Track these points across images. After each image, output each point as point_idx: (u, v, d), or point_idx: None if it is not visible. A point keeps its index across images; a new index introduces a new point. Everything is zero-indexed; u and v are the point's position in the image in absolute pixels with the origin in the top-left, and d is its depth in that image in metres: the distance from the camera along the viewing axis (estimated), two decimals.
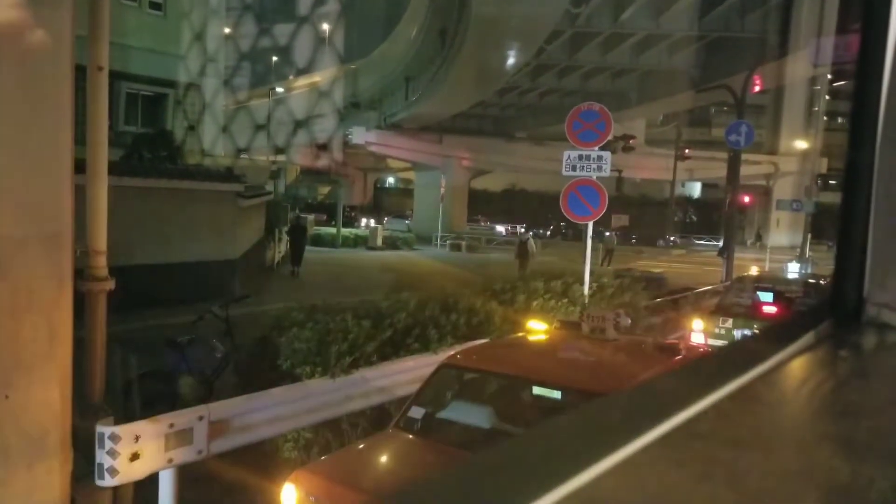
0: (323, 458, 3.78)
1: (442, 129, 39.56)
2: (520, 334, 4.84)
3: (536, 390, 3.61)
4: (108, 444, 3.21)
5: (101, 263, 3.56)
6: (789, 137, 38.70)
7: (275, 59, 38.18)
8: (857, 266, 0.83)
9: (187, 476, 3.68)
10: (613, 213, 25.94)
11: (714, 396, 0.56)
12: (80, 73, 3.16)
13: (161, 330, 6.38)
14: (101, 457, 3.22)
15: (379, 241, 26.70)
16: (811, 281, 9.98)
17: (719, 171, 29.25)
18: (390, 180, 58.39)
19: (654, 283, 11.95)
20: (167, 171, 11.43)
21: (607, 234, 24.64)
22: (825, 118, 34.94)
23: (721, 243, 19.32)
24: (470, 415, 3.60)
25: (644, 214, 38.08)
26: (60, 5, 2.95)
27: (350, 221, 32.71)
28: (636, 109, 36.52)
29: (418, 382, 4.02)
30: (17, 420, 2.96)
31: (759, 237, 23.58)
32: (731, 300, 8.91)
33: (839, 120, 35.56)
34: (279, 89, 35.76)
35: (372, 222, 32.78)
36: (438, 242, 30.87)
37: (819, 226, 25.86)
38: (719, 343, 7.56)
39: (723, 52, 27.29)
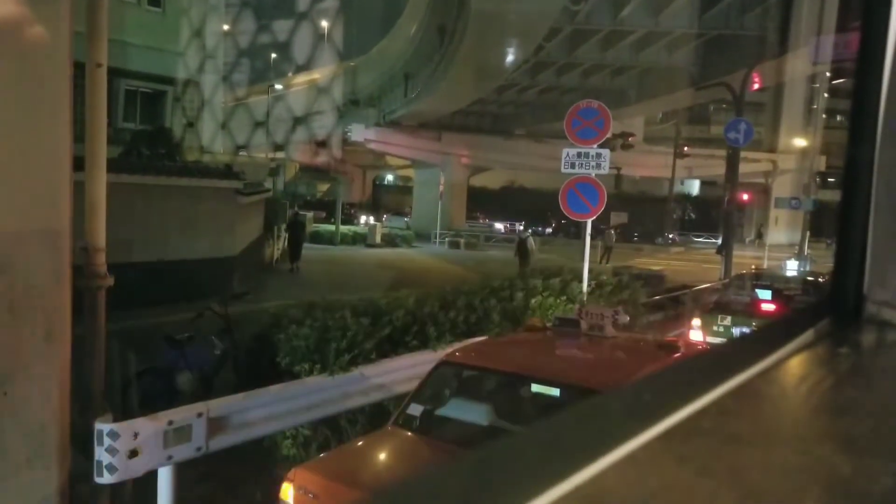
0: (322, 455, 3.79)
1: (441, 126, 39.52)
2: (518, 332, 4.85)
3: (535, 388, 3.62)
4: (107, 441, 3.22)
5: (99, 260, 3.55)
6: (788, 135, 38.70)
7: (274, 55, 38.09)
8: (857, 263, 0.83)
9: (186, 473, 3.68)
10: (612, 210, 26.00)
11: (715, 393, 0.56)
12: (79, 69, 3.16)
13: (160, 327, 6.38)
14: (100, 454, 3.23)
15: (378, 239, 26.69)
16: (809, 279, 10.01)
17: (718, 169, 29.28)
18: (389, 177, 58.34)
19: (652, 281, 11.98)
20: (166, 168, 11.42)
21: (608, 231, 24.69)
22: (824, 116, 34.94)
23: (720, 241, 19.33)
24: (468, 412, 3.61)
25: (643, 212, 38.14)
26: (58, 2, 2.94)
27: (349, 219, 32.67)
28: (635, 107, 36.50)
29: (417, 380, 4.03)
30: (16, 417, 2.96)
31: (760, 235, 23.61)
32: (729, 297, 8.93)
33: (838, 118, 35.57)
34: (278, 86, 35.68)
35: (371, 220, 32.75)
36: (437, 240, 30.87)
37: (818, 223, 25.89)
38: (718, 340, 7.58)
39: (722, 50, 27.27)
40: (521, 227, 29.95)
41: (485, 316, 5.87)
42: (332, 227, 26.74)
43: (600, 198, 7.56)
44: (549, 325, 4.59)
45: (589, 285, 7.87)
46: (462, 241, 30.08)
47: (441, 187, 34.08)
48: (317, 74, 36.96)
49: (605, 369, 3.91)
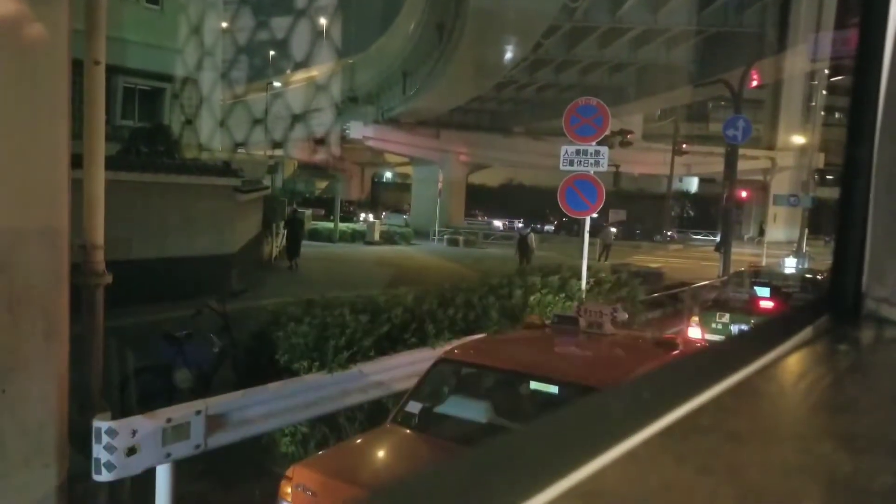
0: (320, 452, 3.79)
1: (439, 123, 39.46)
2: (517, 329, 4.85)
3: (534, 385, 3.62)
4: (105, 439, 3.21)
5: (98, 258, 3.55)
6: (787, 132, 38.73)
7: (272, 53, 38.01)
8: (856, 261, 0.83)
9: (184, 471, 3.68)
10: (610, 208, 26.03)
11: (714, 390, 0.56)
12: (77, 67, 3.15)
13: (158, 324, 6.37)
14: (98, 451, 3.22)
15: (376, 236, 26.67)
16: (808, 276, 10.02)
17: (717, 166, 29.25)
18: (388, 175, 58.28)
19: (651, 278, 11.99)
20: (164, 165, 11.40)
21: (607, 228, 24.73)
22: (823, 113, 34.96)
23: (718, 238, 19.36)
24: (467, 409, 3.61)
25: (641, 209, 38.18)
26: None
27: (348, 216, 32.65)
28: (634, 104, 36.47)
29: (415, 377, 4.03)
30: (14, 414, 2.95)
31: (762, 232, 23.68)
32: (727, 295, 8.94)
33: (836, 115, 35.57)
34: (276, 84, 35.60)
35: (370, 217, 32.72)
36: (436, 237, 30.86)
37: (816, 221, 25.91)
38: (716, 337, 7.59)
39: (721, 47, 27.25)
40: (522, 225, 29.98)
41: (483, 313, 5.87)
42: (331, 225, 26.72)
43: (599, 195, 7.56)
44: (547, 322, 4.59)
45: (588, 283, 7.88)
46: (461, 238, 30.09)
47: (440, 185, 34.05)
48: (315, 72, 36.90)
49: (604, 367, 3.91)
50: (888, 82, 0.84)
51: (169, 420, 3.42)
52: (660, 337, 4.73)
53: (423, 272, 16.42)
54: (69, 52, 3.02)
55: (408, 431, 3.55)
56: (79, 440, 3.28)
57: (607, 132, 8.13)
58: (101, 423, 3.24)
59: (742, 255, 20.47)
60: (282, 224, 18.74)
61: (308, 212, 27.34)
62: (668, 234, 38.49)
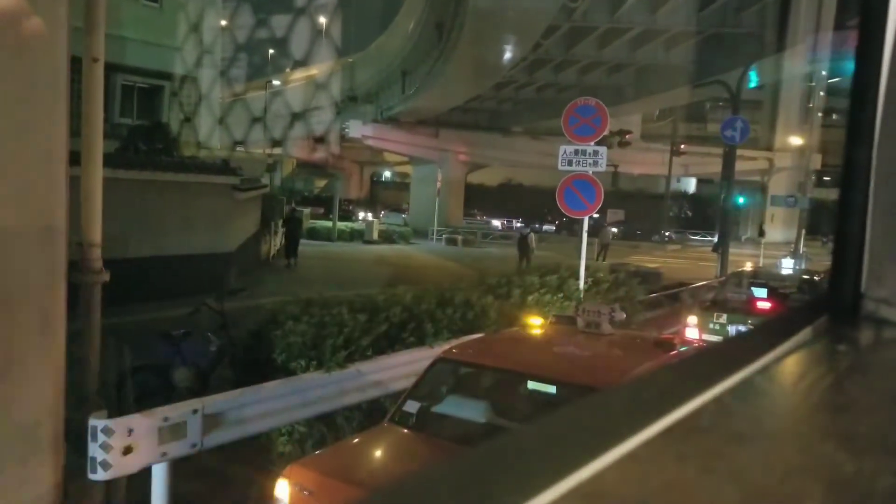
0: (317, 452, 3.78)
1: (439, 123, 39.46)
2: (515, 329, 4.85)
3: (532, 385, 3.62)
4: (101, 438, 3.20)
5: (95, 255, 3.54)
6: (785, 133, 38.79)
7: (271, 51, 37.98)
8: (855, 261, 0.83)
9: (181, 470, 3.68)
10: (609, 208, 26.09)
11: (714, 390, 0.56)
12: (76, 64, 3.14)
13: (156, 323, 6.36)
14: (94, 450, 3.21)
15: (375, 235, 26.66)
16: (805, 277, 10.04)
17: (715, 167, 29.29)
18: (387, 174, 58.27)
19: (649, 278, 12.00)
20: (163, 163, 11.38)
21: (605, 228, 24.80)
22: (820, 114, 35.04)
23: (716, 239, 19.39)
24: (465, 409, 3.61)
25: (640, 209, 38.23)
26: None
27: (347, 215, 32.64)
28: (632, 104, 36.48)
29: (414, 377, 4.02)
30: (10, 412, 2.94)
31: (761, 233, 23.77)
32: (725, 295, 8.95)
33: (834, 116, 35.63)
34: (276, 82, 35.57)
35: (369, 216, 32.72)
36: (434, 237, 30.86)
37: (813, 222, 25.96)
38: (714, 338, 7.60)
39: (719, 48, 27.28)
40: (522, 225, 30.07)
41: (482, 313, 5.87)
42: (330, 224, 26.70)
43: (597, 195, 7.56)
44: (546, 321, 4.59)
45: (586, 282, 7.88)
46: (459, 237, 30.10)
47: (438, 184, 34.05)
48: (314, 70, 36.86)
49: (602, 367, 3.91)
50: (888, 83, 0.84)
51: (165, 419, 3.42)
52: (658, 337, 4.74)
53: (422, 271, 16.41)
54: (68, 49, 3.01)
55: (405, 431, 3.54)
56: (75, 438, 3.27)
57: (606, 132, 8.13)
58: (97, 422, 3.23)
59: (739, 255, 20.50)
60: (280, 222, 18.73)
61: (307, 210, 27.32)
62: (666, 234, 38.56)
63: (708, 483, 0.42)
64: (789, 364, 0.69)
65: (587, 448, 0.42)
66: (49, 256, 3.04)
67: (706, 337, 7.67)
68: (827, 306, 0.85)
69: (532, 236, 20.00)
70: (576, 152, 7.61)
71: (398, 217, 37.62)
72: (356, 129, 39.04)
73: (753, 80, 25.32)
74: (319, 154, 39.30)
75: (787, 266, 16.23)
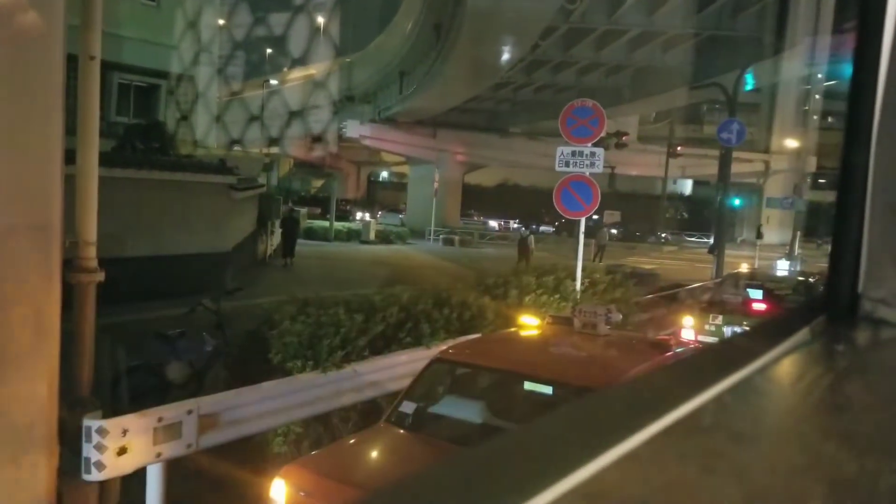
0: (313, 452, 3.77)
1: (436, 123, 39.45)
2: (512, 329, 4.85)
3: (528, 385, 3.62)
4: (96, 438, 3.19)
5: (90, 254, 3.52)
6: (781, 136, 38.93)
7: (269, 50, 37.90)
8: (852, 262, 0.83)
9: (176, 471, 3.66)
10: (605, 209, 26.18)
11: (714, 390, 0.56)
12: (72, 62, 3.12)
13: (151, 323, 6.34)
14: (88, 451, 3.19)
15: (372, 235, 26.64)
16: (800, 278, 10.09)
17: (711, 169, 29.38)
18: (384, 174, 58.24)
19: (645, 280, 12.02)
20: (159, 162, 11.34)
21: (602, 229, 24.92)
22: (816, 118, 35.16)
23: (712, 240, 19.46)
24: (462, 410, 3.61)
25: (636, 211, 38.32)
26: None
27: (344, 215, 32.61)
28: (629, 106, 36.55)
29: (410, 377, 4.02)
30: (3, 413, 2.93)
31: (759, 235, 23.93)
32: (721, 297, 8.98)
33: (829, 119, 35.77)
34: (273, 81, 35.51)
35: (366, 216, 32.68)
36: (431, 237, 30.86)
37: (808, 224, 26.06)
38: (709, 339, 7.62)
39: (716, 51, 27.36)
40: (523, 227, 30.21)
41: (479, 313, 5.87)
42: (326, 224, 26.67)
43: (594, 196, 7.58)
44: (542, 322, 4.59)
45: (582, 284, 7.89)
46: (457, 238, 30.11)
47: (436, 184, 34.04)
48: (312, 70, 36.81)
49: (598, 367, 3.92)
50: (885, 85, 0.84)
51: (160, 419, 3.40)
52: (654, 338, 4.74)
53: (419, 271, 16.41)
54: (64, 46, 3.00)
55: (402, 431, 3.54)
56: (69, 439, 3.25)
57: (603, 134, 8.15)
58: (91, 422, 3.21)
59: (735, 257, 20.56)
60: (277, 222, 18.70)
61: (304, 210, 27.29)
62: (663, 235, 38.65)
63: (709, 482, 0.42)
64: (788, 364, 0.69)
65: (587, 448, 0.42)
66: (44, 255, 3.02)
67: (702, 338, 7.69)
68: (824, 307, 0.85)
69: (531, 238, 20.57)
70: (573, 153, 7.62)
71: (395, 217, 37.61)
72: (354, 128, 39.01)
73: (750, 82, 25.43)
74: (317, 154, 39.25)
75: (783, 268, 16.29)
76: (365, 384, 4.54)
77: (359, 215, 34.92)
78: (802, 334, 0.77)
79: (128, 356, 4.81)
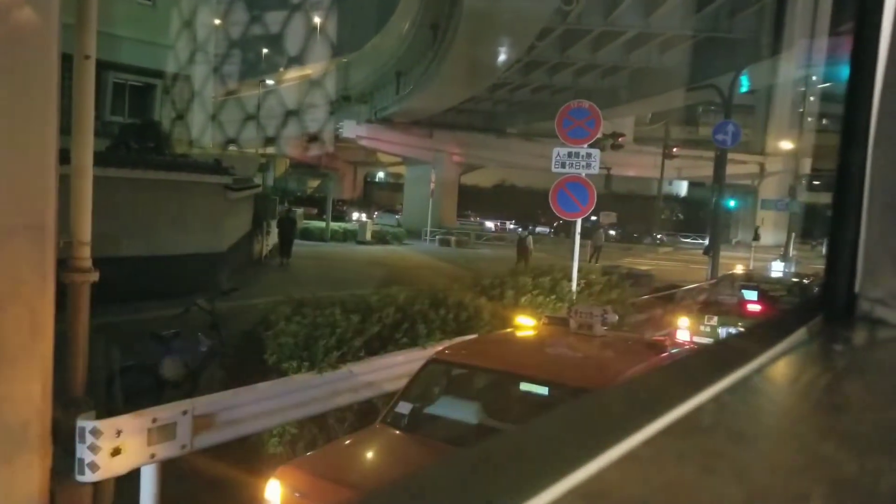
0: (309, 453, 3.76)
1: (433, 123, 39.46)
2: (508, 330, 4.85)
3: (524, 386, 3.62)
4: (89, 439, 3.17)
5: (84, 254, 3.50)
6: (776, 138, 39.08)
7: (265, 50, 37.84)
8: (849, 262, 0.83)
9: (171, 471, 3.64)
10: (601, 210, 26.26)
11: (712, 390, 0.56)
12: (67, 62, 3.11)
13: (146, 323, 6.31)
14: (82, 451, 3.18)
15: (368, 236, 26.62)
16: (795, 280, 10.13)
17: (706, 170, 29.48)
18: (380, 175, 58.22)
19: (641, 281, 12.05)
20: (154, 162, 11.30)
21: (598, 230, 25.03)
22: (811, 119, 35.31)
23: (707, 242, 19.52)
24: (458, 410, 3.60)
25: (632, 212, 38.43)
26: None
27: (340, 215, 32.57)
28: (626, 107, 36.68)
29: (406, 378, 4.01)
30: None
31: (756, 236, 24.06)
32: (716, 298, 9.00)
33: (824, 121, 35.93)
34: (270, 81, 35.44)
35: (362, 217, 32.66)
36: (428, 237, 30.86)
37: (803, 225, 26.18)
38: (704, 340, 7.64)
39: (712, 52, 27.46)
40: (521, 229, 30.31)
41: (475, 314, 5.87)
42: (323, 224, 26.64)
43: (590, 197, 7.59)
44: (538, 323, 4.59)
45: (578, 284, 7.90)
46: (453, 238, 30.12)
47: (432, 185, 34.05)
48: (309, 70, 36.76)
49: (594, 368, 3.92)
50: (882, 87, 0.84)
51: (154, 420, 3.39)
52: (649, 339, 4.75)
53: (415, 272, 16.40)
54: (59, 45, 2.99)
55: (397, 432, 3.53)
56: (63, 439, 3.23)
57: (599, 135, 8.16)
58: (85, 423, 3.20)
59: (730, 258, 20.63)
60: (273, 222, 18.66)
61: (300, 210, 27.26)
62: (658, 236, 38.76)
63: (709, 482, 0.41)
64: (786, 364, 0.69)
65: (586, 448, 0.42)
66: (38, 255, 3.00)
67: (697, 339, 7.71)
68: (822, 307, 0.85)
69: (530, 239, 20.78)
70: (569, 154, 7.63)
71: (392, 218, 37.60)
72: (350, 129, 38.98)
73: (745, 84, 25.51)
74: (313, 154, 39.20)
75: (778, 269, 16.36)
76: (361, 385, 4.54)
77: (355, 216, 34.91)
78: (800, 334, 0.77)
79: (122, 356, 4.79)
